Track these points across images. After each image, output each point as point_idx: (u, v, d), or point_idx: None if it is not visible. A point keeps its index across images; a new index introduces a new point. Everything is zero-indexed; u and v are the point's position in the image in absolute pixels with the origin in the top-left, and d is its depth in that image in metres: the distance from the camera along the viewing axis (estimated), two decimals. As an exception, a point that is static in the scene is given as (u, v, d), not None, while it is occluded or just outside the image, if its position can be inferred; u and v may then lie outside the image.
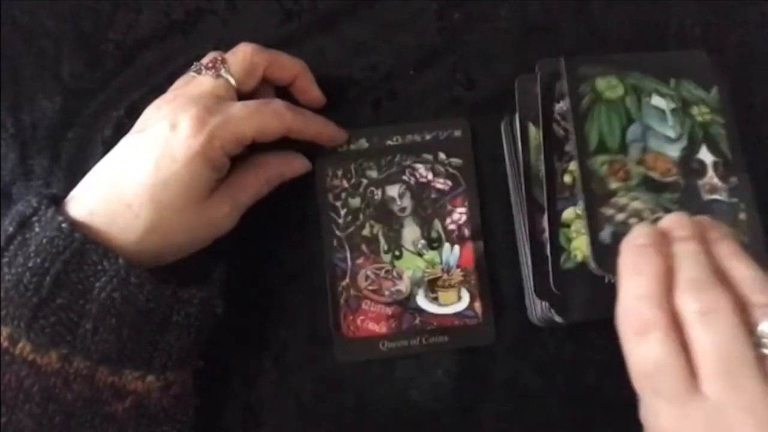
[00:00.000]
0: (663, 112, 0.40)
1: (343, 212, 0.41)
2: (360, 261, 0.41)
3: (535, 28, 0.43)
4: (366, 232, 0.41)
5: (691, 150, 0.39)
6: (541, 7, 0.43)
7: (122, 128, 0.42)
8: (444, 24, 0.43)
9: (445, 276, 0.41)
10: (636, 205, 0.38)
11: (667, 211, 0.38)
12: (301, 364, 0.40)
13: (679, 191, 0.39)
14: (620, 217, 0.38)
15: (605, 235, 0.37)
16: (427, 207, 0.41)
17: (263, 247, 0.41)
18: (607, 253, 0.37)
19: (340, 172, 0.41)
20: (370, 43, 0.43)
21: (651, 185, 0.38)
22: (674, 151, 0.39)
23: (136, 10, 0.43)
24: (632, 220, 0.37)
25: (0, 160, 0.42)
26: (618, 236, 0.36)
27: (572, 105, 0.39)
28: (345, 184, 0.41)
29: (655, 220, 0.37)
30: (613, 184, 0.38)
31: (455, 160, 0.42)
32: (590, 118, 0.39)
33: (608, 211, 0.38)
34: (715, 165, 0.39)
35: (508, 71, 0.43)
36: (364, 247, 0.41)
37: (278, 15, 0.43)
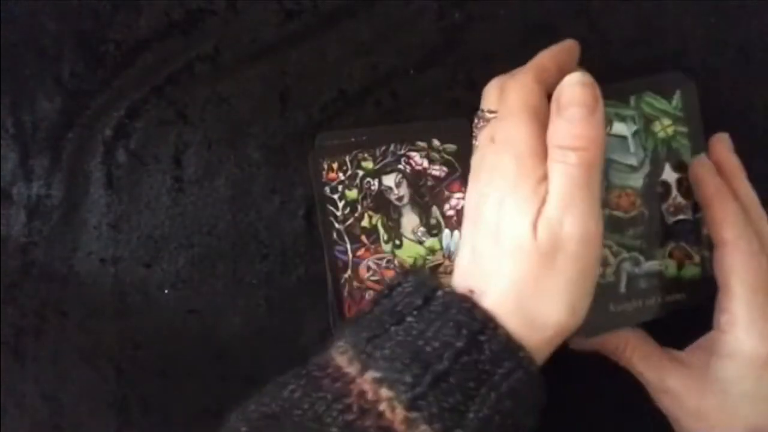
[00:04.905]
0: (624, 138, 0.39)
1: (340, 204, 0.41)
2: (360, 252, 0.41)
3: (535, 28, 0.43)
4: (365, 223, 0.41)
5: (654, 174, 0.39)
6: (541, 7, 0.43)
7: (122, 128, 0.42)
8: (444, 24, 0.43)
9: (447, 262, 0.41)
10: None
11: (631, 248, 0.38)
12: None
13: (642, 224, 0.39)
14: None
15: None
16: (425, 194, 0.41)
17: (269, 253, 0.41)
18: None
19: (335, 165, 0.41)
20: (370, 43, 0.43)
21: (616, 225, 0.39)
22: (637, 181, 0.39)
23: (136, 10, 0.43)
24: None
25: (0, 160, 0.42)
26: None
27: None
28: (341, 176, 0.41)
29: (621, 262, 0.38)
30: None
31: (449, 146, 0.42)
32: None
33: None
34: (679, 182, 0.39)
35: (508, 71, 0.43)
36: (363, 238, 0.41)
37: (278, 15, 0.43)
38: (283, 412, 0.30)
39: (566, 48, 0.38)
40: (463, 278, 0.35)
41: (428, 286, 0.33)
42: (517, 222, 0.32)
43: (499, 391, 0.30)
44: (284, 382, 0.31)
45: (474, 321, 0.31)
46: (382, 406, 0.29)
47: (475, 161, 0.37)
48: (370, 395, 0.30)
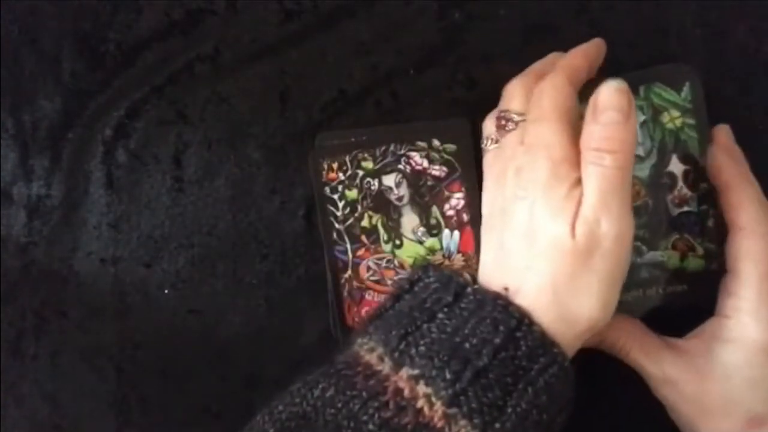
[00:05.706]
0: None
1: (341, 204, 0.41)
2: (360, 252, 0.41)
3: (535, 28, 0.43)
4: (365, 223, 0.41)
5: (661, 165, 0.39)
6: (541, 7, 0.43)
7: (122, 128, 0.42)
8: (444, 24, 0.43)
9: (447, 262, 0.41)
10: None
11: (634, 238, 0.38)
12: (306, 363, 0.41)
13: (646, 214, 0.39)
14: None
15: None
16: (425, 194, 0.41)
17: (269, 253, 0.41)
18: None
19: (335, 165, 0.41)
20: (370, 43, 0.43)
21: None
22: (643, 171, 0.39)
23: (136, 10, 0.43)
24: None
25: (0, 160, 0.42)
26: None
27: None
28: (341, 176, 0.41)
29: None
30: None
31: (449, 146, 0.42)
32: None
33: None
34: (686, 174, 0.39)
35: (508, 71, 0.43)
36: (363, 238, 0.41)
37: (278, 15, 0.43)
38: (314, 412, 0.30)
39: (595, 45, 0.38)
40: (490, 275, 0.36)
41: (456, 283, 0.34)
42: (554, 223, 0.33)
43: (536, 386, 0.31)
44: (313, 381, 0.31)
45: (510, 318, 0.32)
46: (420, 403, 0.30)
47: (497, 162, 0.37)
48: (406, 392, 0.30)
